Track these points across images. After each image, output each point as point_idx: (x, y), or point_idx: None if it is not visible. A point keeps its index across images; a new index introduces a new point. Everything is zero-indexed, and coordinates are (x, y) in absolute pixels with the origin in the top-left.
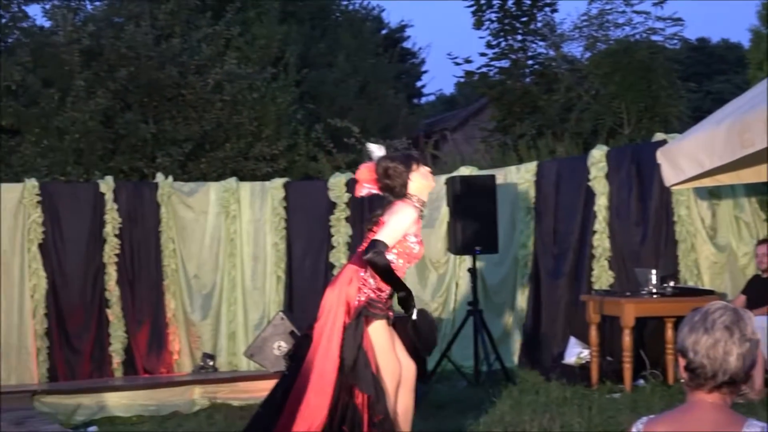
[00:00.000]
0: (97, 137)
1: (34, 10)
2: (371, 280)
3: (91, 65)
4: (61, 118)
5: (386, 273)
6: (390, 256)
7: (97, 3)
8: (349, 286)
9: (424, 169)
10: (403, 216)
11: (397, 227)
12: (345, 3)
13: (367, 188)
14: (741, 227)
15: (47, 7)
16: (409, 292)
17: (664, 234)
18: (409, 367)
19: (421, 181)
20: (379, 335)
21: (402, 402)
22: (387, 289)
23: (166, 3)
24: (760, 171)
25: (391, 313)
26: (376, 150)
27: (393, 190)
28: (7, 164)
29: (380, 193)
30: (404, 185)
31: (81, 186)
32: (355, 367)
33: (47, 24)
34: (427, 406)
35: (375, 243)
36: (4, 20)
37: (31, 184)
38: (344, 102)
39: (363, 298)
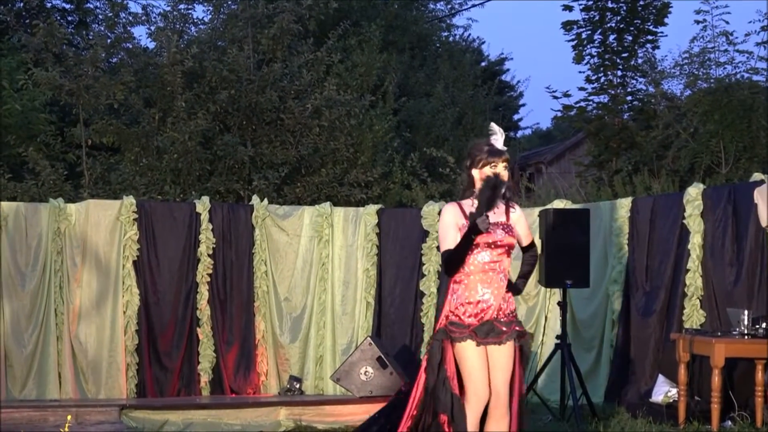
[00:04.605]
0: (195, 158)
1: (139, 31)
2: (460, 290)
3: (193, 87)
4: (161, 138)
5: (450, 263)
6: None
7: (202, 26)
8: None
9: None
10: (441, 221)
11: (441, 232)
12: (445, 34)
13: None
14: None
15: (152, 29)
16: (470, 232)
17: (758, 275)
18: (497, 395)
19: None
20: (464, 358)
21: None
22: (476, 301)
23: (269, 28)
24: None
25: (486, 339)
26: (497, 133)
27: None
28: (106, 181)
29: None
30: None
31: (177, 205)
32: (435, 388)
33: (151, 45)
34: None
35: None
36: (109, 40)
37: (129, 201)
38: (440, 132)
39: (444, 321)
